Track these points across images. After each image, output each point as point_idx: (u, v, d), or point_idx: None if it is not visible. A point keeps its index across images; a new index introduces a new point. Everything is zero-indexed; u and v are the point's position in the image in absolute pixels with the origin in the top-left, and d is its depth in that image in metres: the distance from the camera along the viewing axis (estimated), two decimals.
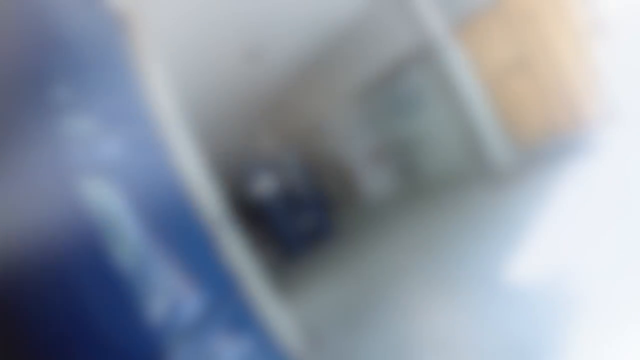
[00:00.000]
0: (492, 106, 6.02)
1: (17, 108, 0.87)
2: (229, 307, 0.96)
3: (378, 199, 9.07)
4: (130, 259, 0.85)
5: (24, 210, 0.85)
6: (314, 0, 5.46)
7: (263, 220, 7.33)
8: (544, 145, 5.54)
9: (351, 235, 7.15)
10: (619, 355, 1.82)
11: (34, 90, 0.89)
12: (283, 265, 7.27)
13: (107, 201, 0.88)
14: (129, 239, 0.87)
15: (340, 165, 10.27)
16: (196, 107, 6.75)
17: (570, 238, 3.07)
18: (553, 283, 2.61)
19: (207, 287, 0.95)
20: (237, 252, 2.05)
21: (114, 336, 0.79)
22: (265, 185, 6.99)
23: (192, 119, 6.47)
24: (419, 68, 6.64)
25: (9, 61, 0.90)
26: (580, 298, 2.33)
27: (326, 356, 3.23)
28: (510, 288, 2.82)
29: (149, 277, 0.84)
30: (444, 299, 3.20)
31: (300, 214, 7.48)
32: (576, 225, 3.26)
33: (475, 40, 5.74)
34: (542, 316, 2.33)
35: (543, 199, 4.08)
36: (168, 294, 0.86)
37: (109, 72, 1.07)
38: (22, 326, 0.80)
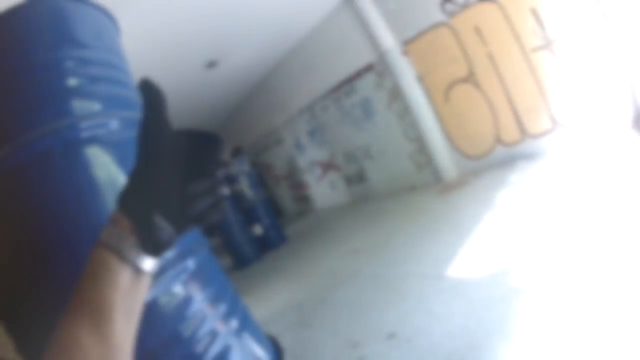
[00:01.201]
0: (440, 117, 6.22)
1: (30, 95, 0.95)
2: (196, 261, 1.05)
3: (329, 207, 9.22)
4: None
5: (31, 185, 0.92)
6: (272, 16, 5.60)
7: (217, 227, 7.27)
8: (491, 155, 5.79)
9: (303, 241, 7.22)
10: (552, 341, 1.97)
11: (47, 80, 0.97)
12: (236, 271, 7.23)
13: (112, 168, 0.96)
14: None
15: (291, 174, 10.37)
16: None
17: (510, 239, 3.29)
18: (492, 278, 2.78)
19: (181, 241, 1.05)
20: None
21: None
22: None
23: None
24: (369, 81, 6.82)
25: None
26: (516, 289, 2.50)
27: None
28: (454, 283, 3.01)
29: None
30: (392, 293, 3.34)
31: (253, 222, 7.48)
32: (515, 227, 3.50)
33: (424, 54, 5.93)
34: (482, 306, 2.49)
35: (487, 204, 4.31)
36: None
37: (110, 66, 1.16)
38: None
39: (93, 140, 0.94)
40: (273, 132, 10.11)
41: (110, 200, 0.85)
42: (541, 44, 4.79)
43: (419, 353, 2.45)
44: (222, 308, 1.05)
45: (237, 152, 11.71)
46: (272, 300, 4.63)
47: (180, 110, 7.71)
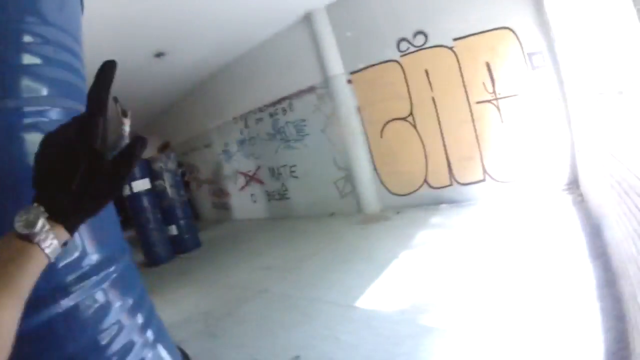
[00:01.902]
0: (372, 150, 6.40)
1: None
2: (118, 268, 1.04)
3: (247, 218, 9.16)
4: None
5: None
6: (227, 19, 5.58)
7: (133, 220, 6.95)
8: (416, 194, 6.01)
9: (217, 249, 7.11)
10: None
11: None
12: (147, 268, 6.93)
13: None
14: None
15: (214, 180, 10.20)
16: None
17: (423, 278, 3.46)
18: (402, 315, 2.90)
19: (105, 246, 1.03)
20: None
21: None
22: (140, 187, 6.67)
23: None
24: (309, 103, 6.93)
25: None
26: (425, 328, 2.62)
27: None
28: (363, 314, 3.10)
29: None
30: (300, 315, 3.40)
31: (170, 221, 7.25)
32: (429, 266, 3.70)
33: (369, 87, 6.09)
34: (390, 341, 2.59)
35: (405, 241, 4.51)
36: (79, 247, 0.93)
37: (67, 50, 1.12)
38: None
39: (35, 128, 0.91)
40: (204, 135, 9.92)
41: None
42: (488, 97, 5.00)
43: None
44: (140, 318, 1.04)
45: (165, 147, 11.31)
46: (179, 304, 4.51)
47: (120, 95, 7.37)
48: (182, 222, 7.40)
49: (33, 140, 0.87)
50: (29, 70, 0.92)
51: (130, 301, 1.03)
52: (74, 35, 1.14)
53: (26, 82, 0.91)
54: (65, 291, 0.87)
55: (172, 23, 5.15)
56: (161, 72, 6.95)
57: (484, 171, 5.29)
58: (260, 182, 8.61)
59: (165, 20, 4.99)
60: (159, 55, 6.10)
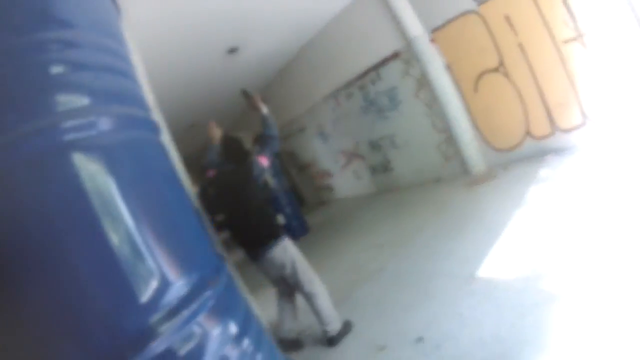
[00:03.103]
0: (469, 108, 6.05)
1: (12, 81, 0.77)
2: (214, 291, 0.91)
3: (352, 196, 9.08)
4: (125, 241, 0.78)
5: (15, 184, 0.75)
6: (295, 2, 5.46)
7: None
8: (520, 148, 5.60)
9: (325, 233, 7.11)
10: (586, 348, 1.85)
11: (30, 64, 0.78)
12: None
13: (101, 179, 0.80)
14: (123, 221, 0.80)
15: (314, 163, 10.23)
16: (177, 97, 6.69)
17: (542, 239, 3.09)
18: (525, 282, 2.61)
19: (194, 270, 0.89)
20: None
21: (106, 318, 0.73)
22: None
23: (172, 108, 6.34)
24: (396, 69, 6.65)
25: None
26: (550, 295, 2.34)
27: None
28: (484, 285, 2.82)
29: (141, 260, 0.78)
30: (418, 293, 3.20)
31: (277, 211, 7.39)
32: (547, 225, 3.31)
33: (452, 43, 5.75)
34: (514, 313, 2.34)
35: (517, 200, 4.13)
36: (157, 277, 0.80)
37: (104, 51, 0.99)
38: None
39: (79, 145, 0.76)
40: (296, 120, 9.96)
41: (100, 218, 0.70)
42: (572, 36, 4.61)
43: None
44: (248, 344, 0.90)
45: (258, 140, 11.61)
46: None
47: (201, 96, 7.63)
48: (287, 210, 7.49)
49: (78, 160, 0.73)
50: (58, 80, 0.78)
51: (234, 328, 0.88)
52: (111, 35, 0.99)
53: (58, 94, 0.77)
54: (152, 333, 0.75)
55: (241, 15, 5.09)
56: (235, 66, 7.00)
57: (583, 115, 4.81)
58: (361, 157, 8.41)
59: (235, 13, 4.94)
60: (232, 51, 6.12)
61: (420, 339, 2.53)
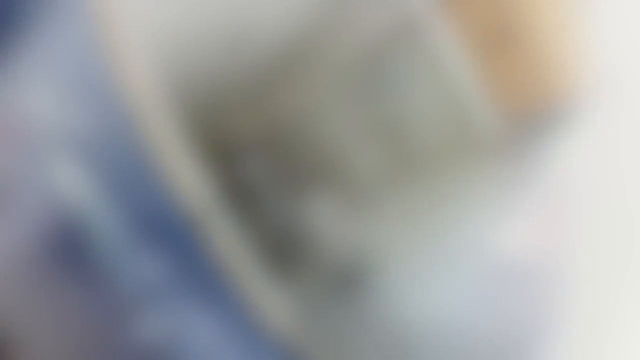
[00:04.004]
0: (478, 77, 6.00)
1: None
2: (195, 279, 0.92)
3: (367, 176, 9.10)
4: (111, 255, 0.77)
5: None
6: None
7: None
8: (533, 116, 5.53)
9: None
10: (613, 334, 1.81)
11: None
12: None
13: (81, 187, 0.77)
14: (109, 232, 0.78)
15: (328, 146, 10.25)
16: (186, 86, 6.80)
17: (561, 212, 3.04)
18: (546, 259, 2.59)
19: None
20: (227, 241, 1.99)
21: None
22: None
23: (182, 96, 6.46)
24: (403, 42, 6.58)
25: None
26: (571, 275, 2.30)
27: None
28: (504, 264, 2.81)
29: (129, 275, 0.78)
30: (437, 273, 3.19)
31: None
32: (566, 199, 3.24)
33: (459, 10, 5.68)
34: (537, 293, 2.32)
35: (533, 171, 4.06)
36: (147, 291, 0.80)
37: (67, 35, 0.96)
38: None
39: None
40: (306, 104, 10.00)
41: None
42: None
43: None
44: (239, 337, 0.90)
45: (270, 125, 11.69)
46: None
47: None
48: None
49: None
50: None
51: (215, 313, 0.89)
52: None
53: None
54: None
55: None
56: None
57: (595, 75, 4.73)
58: (375, 138, 8.37)
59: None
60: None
61: None
